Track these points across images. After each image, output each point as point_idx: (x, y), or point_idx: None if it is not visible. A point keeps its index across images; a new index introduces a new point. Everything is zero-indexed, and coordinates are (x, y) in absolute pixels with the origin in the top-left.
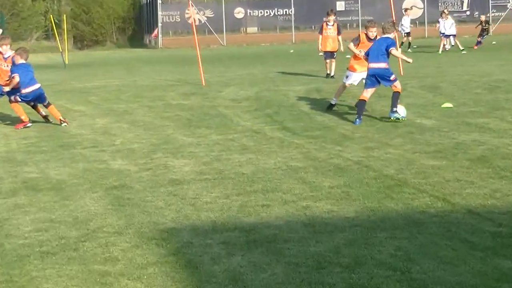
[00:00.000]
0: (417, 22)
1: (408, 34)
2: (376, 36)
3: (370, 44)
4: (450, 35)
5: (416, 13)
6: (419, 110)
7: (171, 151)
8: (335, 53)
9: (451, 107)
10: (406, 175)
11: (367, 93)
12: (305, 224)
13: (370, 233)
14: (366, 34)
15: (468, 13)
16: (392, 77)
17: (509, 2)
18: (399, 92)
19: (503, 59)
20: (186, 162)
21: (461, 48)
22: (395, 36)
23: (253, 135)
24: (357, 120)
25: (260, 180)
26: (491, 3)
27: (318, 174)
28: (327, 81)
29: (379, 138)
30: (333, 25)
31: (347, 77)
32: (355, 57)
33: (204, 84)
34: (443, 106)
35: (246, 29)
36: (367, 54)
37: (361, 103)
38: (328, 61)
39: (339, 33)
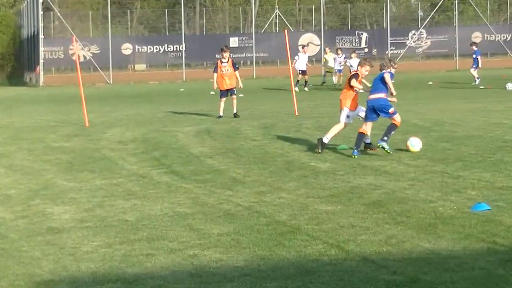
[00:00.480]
0: (314, 59)
1: (304, 72)
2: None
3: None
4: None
5: (313, 50)
6: (314, 153)
7: (51, 197)
8: (234, 90)
9: (347, 149)
10: (299, 221)
11: (367, 127)
12: (192, 274)
13: (260, 283)
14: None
15: (366, 50)
16: (390, 110)
17: (407, 39)
18: (396, 125)
19: (401, 99)
20: (66, 209)
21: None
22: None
23: (139, 179)
24: (355, 151)
25: (145, 228)
26: (390, 40)
27: (207, 221)
28: (218, 122)
29: (272, 182)
30: (227, 62)
31: (348, 117)
32: (350, 95)
33: (87, 125)
34: (339, 147)
35: (134, 66)
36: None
37: (361, 135)
38: (223, 99)
39: (235, 69)
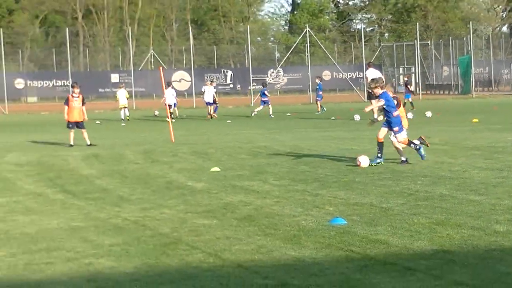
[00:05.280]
0: (186, 93)
1: (210, 103)
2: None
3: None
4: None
5: (185, 85)
6: (190, 174)
7: None
8: (82, 123)
9: (219, 171)
10: (180, 233)
11: (382, 134)
12: (88, 280)
13: (149, 287)
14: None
15: (231, 85)
16: (395, 129)
17: (267, 76)
18: (393, 145)
19: (263, 128)
20: None
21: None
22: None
23: (36, 197)
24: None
25: (43, 240)
26: (252, 77)
27: (99, 233)
28: (104, 147)
29: (154, 199)
30: (78, 96)
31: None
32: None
33: None
34: (211, 170)
35: (26, 99)
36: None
37: (381, 144)
38: (73, 130)
39: (83, 104)
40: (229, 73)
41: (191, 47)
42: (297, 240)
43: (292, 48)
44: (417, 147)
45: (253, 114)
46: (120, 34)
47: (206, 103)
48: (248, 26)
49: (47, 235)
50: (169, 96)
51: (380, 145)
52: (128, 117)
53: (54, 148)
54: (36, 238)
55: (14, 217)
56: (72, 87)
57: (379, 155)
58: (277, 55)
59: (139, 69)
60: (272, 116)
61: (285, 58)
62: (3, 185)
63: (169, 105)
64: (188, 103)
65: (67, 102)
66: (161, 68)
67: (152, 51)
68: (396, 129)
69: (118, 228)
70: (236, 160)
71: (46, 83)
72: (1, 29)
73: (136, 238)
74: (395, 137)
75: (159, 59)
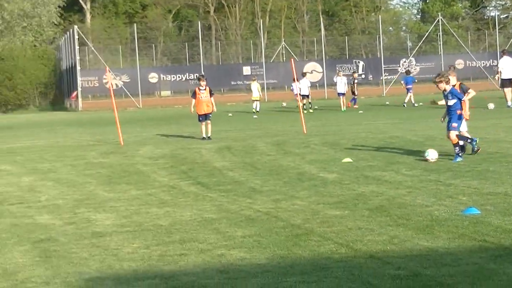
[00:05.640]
0: (318, 84)
1: (305, 96)
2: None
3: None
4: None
5: (317, 76)
6: (322, 165)
7: (94, 206)
8: (209, 115)
9: (351, 162)
10: (312, 224)
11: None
12: (220, 271)
13: (280, 278)
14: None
15: (363, 76)
16: (453, 124)
17: (399, 66)
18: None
19: (396, 118)
20: (107, 216)
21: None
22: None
23: (169, 190)
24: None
25: (177, 231)
26: (384, 67)
27: (231, 225)
28: (237, 140)
29: (286, 191)
30: (205, 89)
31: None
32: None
33: (122, 144)
34: (343, 161)
35: (160, 93)
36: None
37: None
38: (203, 123)
39: (211, 95)
40: (361, 63)
41: (323, 38)
42: (430, 230)
43: (424, 37)
44: (468, 140)
45: (416, 105)
46: (251, 26)
47: (338, 93)
48: (380, 16)
49: (181, 227)
50: (304, 87)
51: (462, 137)
52: (257, 111)
53: (187, 141)
54: (170, 230)
55: (148, 210)
56: (199, 79)
57: (469, 142)
58: (409, 44)
59: (271, 61)
60: (405, 105)
61: (417, 47)
62: (137, 178)
63: (304, 96)
64: (320, 94)
65: (194, 95)
66: (292, 59)
67: (283, 43)
68: (454, 125)
69: (250, 219)
70: (368, 151)
71: (179, 76)
72: (135, 25)
73: (268, 230)
74: (449, 131)
75: (290, 50)
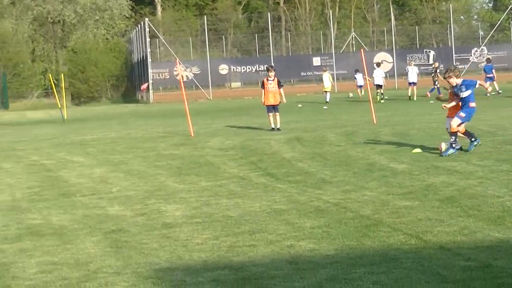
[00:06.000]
0: (388, 75)
1: (379, 86)
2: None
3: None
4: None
5: (387, 66)
6: (392, 156)
7: (164, 197)
8: (277, 107)
9: (420, 152)
10: (381, 215)
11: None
12: (289, 262)
13: (349, 269)
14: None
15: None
16: (461, 114)
17: (471, 55)
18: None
19: None
20: (177, 207)
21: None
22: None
23: (239, 181)
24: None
25: (246, 222)
26: (455, 57)
27: (300, 216)
28: (306, 130)
29: (356, 181)
30: (273, 80)
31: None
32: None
33: (192, 135)
34: (413, 151)
35: (230, 84)
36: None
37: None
38: (271, 114)
39: (279, 87)
40: (431, 53)
41: (393, 28)
42: (501, 221)
43: (496, 26)
44: (472, 139)
45: (500, 92)
46: (321, 17)
47: (409, 83)
48: (451, 5)
49: (250, 218)
50: (378, 77)
51: (467, 132)
52: (327, 102)
53: (256, 132)
54: (239, 221)
55: (218, 201)
56: (267, 70)
57: (472, 139)
58: (481, 33)
59: (341, 51)
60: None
61: (489, 36)
62: (207, 169)
63: (378, 85)
64: (390, 84)
65: (262, 85)
66: (362, 50)
67: (353, 33)
68: (462, 114)
69: (319, 210)
70: (438, 141)
71: (249, 68)
72: (205, 17)
73: (337, 220)
74: (454, 119)
75: (360, 41)
